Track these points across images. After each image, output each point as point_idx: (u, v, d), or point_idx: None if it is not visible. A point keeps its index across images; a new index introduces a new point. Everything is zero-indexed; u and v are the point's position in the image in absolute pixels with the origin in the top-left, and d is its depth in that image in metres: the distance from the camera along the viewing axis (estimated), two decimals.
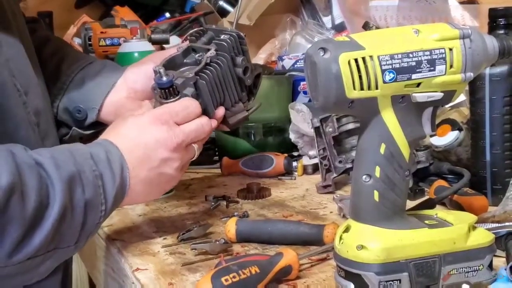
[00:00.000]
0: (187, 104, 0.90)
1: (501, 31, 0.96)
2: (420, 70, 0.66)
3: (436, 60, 0.66)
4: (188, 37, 1.01)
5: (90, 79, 1.02)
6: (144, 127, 0.87)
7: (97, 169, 0.80)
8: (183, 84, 0.92)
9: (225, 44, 0.98)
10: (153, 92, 0.95)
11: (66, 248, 0.78)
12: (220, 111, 0.96)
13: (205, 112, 0.94)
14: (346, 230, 0.69)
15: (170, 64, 0.96)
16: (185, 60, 0.98)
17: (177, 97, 0.93)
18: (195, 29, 1.02)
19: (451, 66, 0.67)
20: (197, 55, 0.98)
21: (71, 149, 0.81)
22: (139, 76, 1.01)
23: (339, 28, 1.86)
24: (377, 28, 1.54)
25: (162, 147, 0.86)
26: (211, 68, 0.95)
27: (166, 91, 0.92)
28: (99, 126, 1.04)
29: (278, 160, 1.24)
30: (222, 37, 0.99)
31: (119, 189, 0.82)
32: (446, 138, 1.09)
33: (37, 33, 1.06)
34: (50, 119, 0.94)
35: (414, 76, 0.66)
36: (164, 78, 0.92)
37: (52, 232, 0.74)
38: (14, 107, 0.84)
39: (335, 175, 1.12)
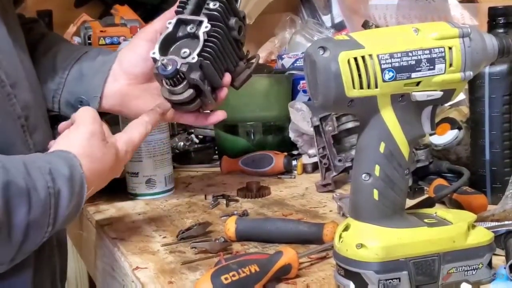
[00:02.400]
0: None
1: (501, 30, 0.96)
2: (420, 69, 0.66)
3: (436, 59, 0.66)
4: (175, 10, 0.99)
5: (86, 69, 1.01)
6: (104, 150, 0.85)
7: (52, 185, 0.75)
8: (189, 69, 0.92)
9: (217, 14, 0.96)
10: (156, 77, 0.95)
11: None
12: (227, 78, 0.99)
13: (213, 85, 0.96)
14: (346, 228, 0.69)
15: (166, 44, 0.95)
16: (178, 35, 0.97)
17: (184, 83, 0.93)
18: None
19: (450, 65, 0.67)
20: (189, 27, 0.96)
21: (28, 161, 0.76)
22: (135, 60, 1.00)
23: (339, 27, 1.85)
24: (377, 27, 1.54)
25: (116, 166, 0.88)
26: (211, 44, 0.94)
27: (173, 80, 0.92)
28: (103, 116, 1.03)
29: (278, 159, 1.24)
30: (211, 5, 0.96)
31: (73, 209, 0.79)
32: (445, 137, 1.09)
33: (33, 31, 1.06)
34: (40, 114, 0.93)
35: (413, 75, 0.66)
36: (169, 68, 0.92)
37: None
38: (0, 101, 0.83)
39: (334, 173, 1.12)
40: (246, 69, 1.03)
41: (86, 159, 0.81)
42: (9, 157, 0.76)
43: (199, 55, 0.93)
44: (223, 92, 0.99)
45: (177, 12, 0.98)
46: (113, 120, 1.10)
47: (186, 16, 0.96)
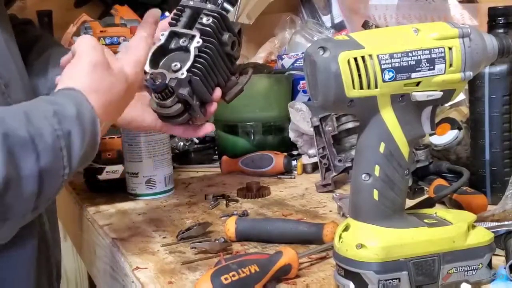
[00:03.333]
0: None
1: (501, 30, 0.96)
2: (420, 69, 0.66)
3: (436, 59, 0.66)
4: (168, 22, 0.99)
5: None
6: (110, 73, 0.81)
7: (60, 127, 0.73)
8: (177, 85, 0.92)
9: (210, 29, 0.95)
10: (146, 88, 0.94)
11: (21, 218, 0.73)
12: (217, 93, 0.97)
13: (203, 100, 0.94)
14: (346, 229, 0.69)
15: (156, 56, 0.95)
16: (170, 47, 0.96)
17: (173, 96, 0.92)
18: (173, 11, 1.00)
19: (450, 65, 0.67)
20: (181, 40, 0.95)
21: (29, 109, 0.73)
22: None
23: (339, 27, 1.86)
24: (377, 27, 1.54)
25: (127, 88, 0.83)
26: (201, 60, 0.94)
27: (162, 94, 0.92)
28: None
29: (278, 159, 1.24)
30: (204, 20, 0.96)
31: (89, 146, 0.76)
32: (445, 137, 1.09)
33: (27, 34, 1.05)
34: None
35: (413, 75, 0.66)
36: (158, 82, 0.91)
37: None
38: None
39: (334, 174, 1.12)
40: (238, 83, 1.01)
41: (94, 93, 0.78)
42: (9, 108, 0.74)
43: (188, 70, 0.92)
44: (213, 107, 0.97)
45: (170, 24, 0.98)
46: None
47: (179, 29, 0.96)
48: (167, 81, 0.91)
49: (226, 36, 0.97)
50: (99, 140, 0.78)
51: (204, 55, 0.94)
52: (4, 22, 0.93)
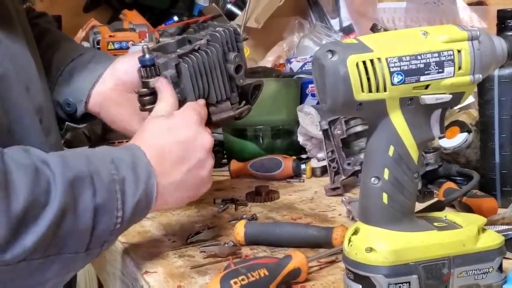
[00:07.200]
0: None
1: (510, 33, 0.96)
2: (429, 72, 0.66)
3: (445, 62, 0.66)
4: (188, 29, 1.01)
5: (78, 71, 1.02)
6: (179, 127, 0.85)
7: (116, 173, 0.76)
8: (164, 64, 0.91)
9: (218, 35, 0.96)
10: (138, 74, 0.94)
11: (74, 255, 0.74)
12: (201, 102, 0.93)
13: (185, 100, 0.91)
14: (355, 232, 0.69)
15: (161, 50, 0.95)
16: (178, 50, 0.95)
17: (157, 78, 0.91)
18: (197, 23, 1.01)
19: (459, 68, 0.67)
20: (191, 46, 0.96)
21: (89, 151, 0.78)
22: (129, 66, 1.00)
23: (347, 31, 1.85)
24: (385, 30, 1.54)
25: (200, 148, 0.85)
26: (197, 54, 0.93)
27: (147, 70, 0.91)
28: (92, 119, 1.04)
29: (287, 163, 1.24)
30: (217, 28, 0.97)
31: (143, 196, 0.78)
32: (455, 140, 1.09)
33: (38, 27, 1.06)
34: (52, 116, 0.94)
35: (422, 78, 0.66)
36: (147, 56, 0.91)
37: (48, 233, 0.69)
38: (18, 99, 0.83)
39: (343, 177, 1.12)
40: (231, 110, 0.98)
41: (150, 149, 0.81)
42: (72, 150, 0.80)
43: (180, 56, 0.92)
44: None
45: (188, 32, 0.99)
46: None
47: (193, 35, 0.97)
48: (156, 57, 0.91)
49: (232, 55, 0.96)
50: (154, 191, 0.79)
51: (202, 52, 0.94)
52: (24, 22, 0.94)
